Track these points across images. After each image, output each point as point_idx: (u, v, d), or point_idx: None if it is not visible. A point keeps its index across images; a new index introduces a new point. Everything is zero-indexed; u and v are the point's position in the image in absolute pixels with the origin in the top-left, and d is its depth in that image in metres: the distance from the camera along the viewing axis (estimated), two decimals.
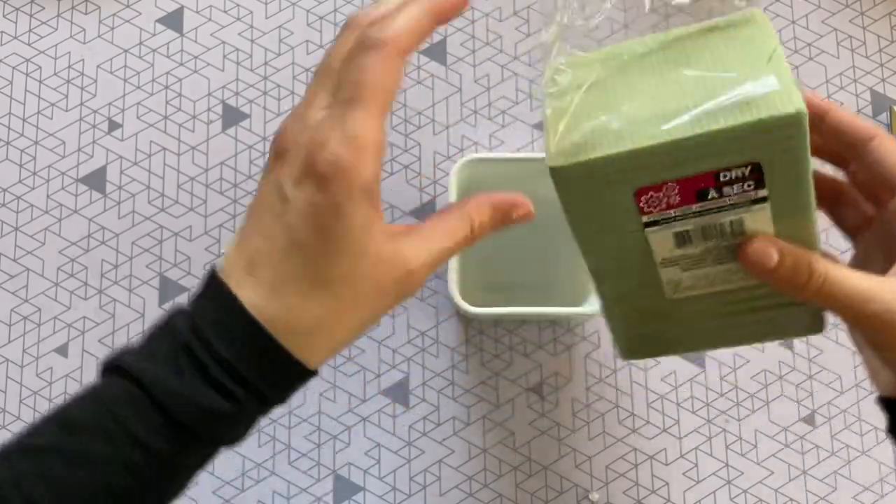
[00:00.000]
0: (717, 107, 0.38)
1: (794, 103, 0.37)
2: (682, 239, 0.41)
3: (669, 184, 0.39)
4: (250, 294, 0.38)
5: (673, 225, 0.41)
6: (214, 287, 0.38)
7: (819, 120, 0.44)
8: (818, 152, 0.46)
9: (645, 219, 0.41)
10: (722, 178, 0.39)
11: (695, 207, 0.40)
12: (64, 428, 0.38)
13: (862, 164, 0.45)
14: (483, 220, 0.42)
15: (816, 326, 0.46)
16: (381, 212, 0.38)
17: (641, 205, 0.40)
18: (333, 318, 0.38)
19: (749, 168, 0.39)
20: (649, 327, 0.47)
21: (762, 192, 0.40)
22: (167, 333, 0.39)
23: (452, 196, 0.62)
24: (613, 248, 0.43)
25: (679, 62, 0.40)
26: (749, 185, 0.39)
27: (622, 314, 0.47)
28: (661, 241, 0.42)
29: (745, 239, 0.41)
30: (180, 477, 0.39)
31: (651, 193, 0.40)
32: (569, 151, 0.39)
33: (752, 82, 0.38)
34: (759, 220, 0.41)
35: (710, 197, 0.40)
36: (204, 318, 0.38)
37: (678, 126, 0.38)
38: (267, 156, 0.40)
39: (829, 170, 0.48)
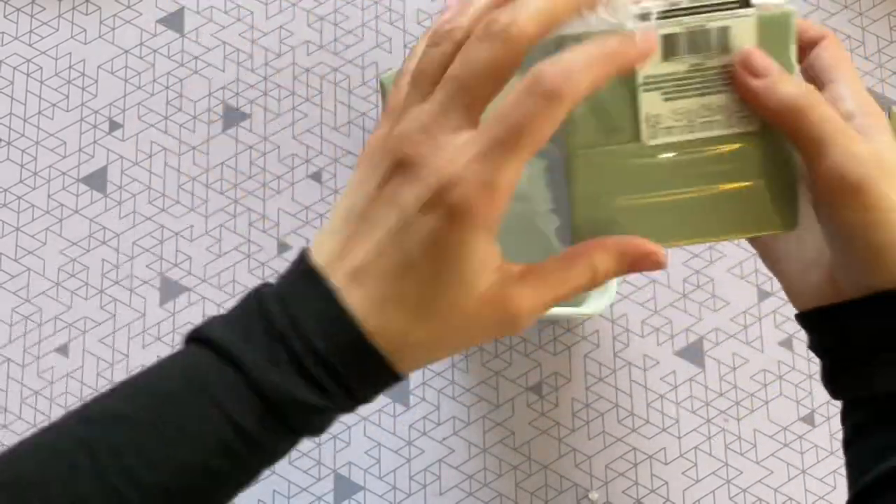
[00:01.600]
0: None
1: None
2: (670, 45, 0.41)
3: None
4: (353, 302, 0.37)
5: (660, 24, 0.40)
6: (312, 279, 0.38)
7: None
8: None
9: (635, 10, 0.40)
10: None
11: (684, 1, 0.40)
12: (155, 398, 0.38)
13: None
14: (608, 267, 0.40)
15: (789, 219, 0.43)
16: (496, 249, 0.38)
17: None
18: (428, 343, 0.38)
19: None
20: (613, 193, 0.42)
21: None
22: (259, 314, 0.38)
23: None
24: None
25: None
26: None
27: (587, 166, 0.42)
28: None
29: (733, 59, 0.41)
30: (265, 463, 0.39)
31: None
32: None
33: None
34: (743, 32, 0.41)
35: None
36: (301, 309, 0.38)
37: None
38: (365, 154, 0.39)
39: None
